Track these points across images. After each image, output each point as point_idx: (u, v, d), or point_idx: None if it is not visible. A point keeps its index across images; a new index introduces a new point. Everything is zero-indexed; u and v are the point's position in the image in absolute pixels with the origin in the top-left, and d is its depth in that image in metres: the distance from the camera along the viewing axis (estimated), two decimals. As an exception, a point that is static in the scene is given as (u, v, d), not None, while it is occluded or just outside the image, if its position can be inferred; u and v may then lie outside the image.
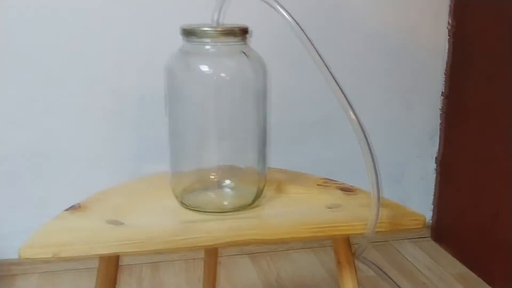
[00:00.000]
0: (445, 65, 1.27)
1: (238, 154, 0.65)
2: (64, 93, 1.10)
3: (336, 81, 0.54)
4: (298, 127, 1.22)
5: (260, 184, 0.64)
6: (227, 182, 0.66)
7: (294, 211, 0.62)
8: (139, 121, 1.14)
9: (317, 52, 0.54)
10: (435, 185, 1.34)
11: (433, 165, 1.33)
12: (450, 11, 1.24)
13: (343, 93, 0.54)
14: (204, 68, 0.61)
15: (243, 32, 0.61)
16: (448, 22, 1.25)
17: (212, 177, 0.66)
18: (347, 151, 1.24)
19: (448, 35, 1.25)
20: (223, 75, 0.61)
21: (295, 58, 1.16)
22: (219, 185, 0.66)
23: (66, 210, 0.62)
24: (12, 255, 1.15)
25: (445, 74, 1.27)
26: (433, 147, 1.32)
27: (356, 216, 0.61)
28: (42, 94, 1.09)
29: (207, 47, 0.60)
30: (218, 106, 0.62)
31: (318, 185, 0.70)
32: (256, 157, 0.64)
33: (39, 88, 1.09)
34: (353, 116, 0.54)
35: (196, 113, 0.63)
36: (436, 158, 1.33)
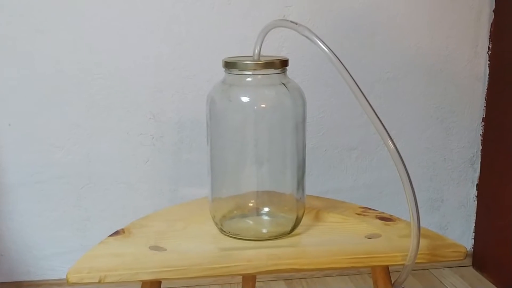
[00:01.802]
0: (485, 90, 1.25)
1: (277, 181, 0.65)
2: (107, 117, 1.13)
3: (372, 108, 0.54)
4: (334, 153, 1.22)
5: (299, 212, 0.65)
6: (266, 209, 0.66)
7: (332, 240, 0.62)
8: (178, 146, 1.15)
9: (353, 80, 0.54)
10: (476, 212, 1.32)
11: (473, 192, 1.31)
12: (490, 35, 1.23)
13: (379, 120, 0.54)
14: (245, 98, 0.62)
15: (283, 64, 0.62)
16: (488, 46, 1.24)
17: (251, 204, 0.66)
18: (384, 176, 1.24)
19: (488, 60, 1.24)
20: (263, 105, 0.62)
21: (330, 84, 1.17)
22: (257, 212, 0.66)
23: (111, 235, 0.63)
24: (53, 275, 1.18)
25: (485, 99, 1.26)
26: (473, 173, 1.30)
27: (395, 246, 0.60)
28: (85, 118, 1.13)
29: (248, 78, 0.61)
30: (258, 134, 0.63)
31: (356, 214, 0.70)
32: (295, 184, 0.64)
33: (82, 113, 1.12)
34: (391, 145, 0.54)
35: (236, 141, 0.63)
36: (476, 184, 1.31)
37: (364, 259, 0.58)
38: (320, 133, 1.21)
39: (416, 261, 0.57)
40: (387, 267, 0.63)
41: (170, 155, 1.16)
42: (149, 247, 0.60)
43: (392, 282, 0.62)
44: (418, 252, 0.56)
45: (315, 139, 1.20)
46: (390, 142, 0.54)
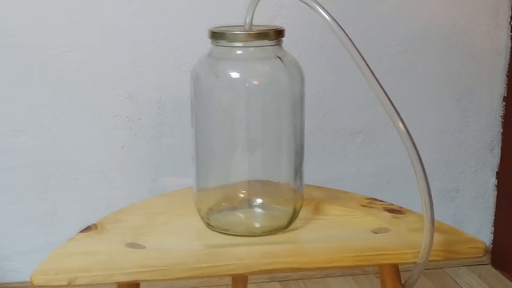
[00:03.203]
0: (506, 65, 1.25)
1: (271, 169, 0.66)
2: (76, 97, 1.13)
3: (380, 85, 0.54)
4: (336, 137, 1.23)
5: (297, 204, 0.65)
6: (259, 201, 0.66)
7: (334, 236, 0.62)
8: (158, 129, 1.15)
9: (359, 53, 0.54)
10: (495, 204, 1.33)
11: (492, 180, 1.32)
12: (511, 3, 1.23)
13: (388, 99, 0.54)
14: (235, 74, 0.62)
15: (278, 35, 0.61)
16: (510, 16, 1.23)
17: (242, 195, 0.66)
18: (392, 164, 1.25)
19: (510, 31, 1.24)
20: (255, 82, 0.62)
21: (331, 59, 1.17)
22: (249, 204, 0.67)
23: (81, 231, 0.63)
24: (15, 277, 1.18)
25: (506, 75, 1.26)
26: (493, 160, 1.31)
27: (406, 242, 0.61)
28: (50, 98, 1.12)
29: (238, 51, 0.61)
30: (250, 115, 0.63)
31: (362, 205, 0.70)
32: (291, 172, 0.64)
33: (47, 92, 1.12)
34: (401, 127, 0.53)
35: (225, 123, 0.63)
36: (496, 172, 1.32)
37: (370, 256, 0.59)
38: (320, 115, 1.21)
39: (430, 258, 0.57)
40: (396, 265, 0.63)
41: (149, 140, 1.16)
42: (125, 245, 0.60)
43: (402, 282, 0.63)
44: (432, 249, 0.56)
45: (314, 121, 1.20)
46: (400, 124, 0.54)
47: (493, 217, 1.34)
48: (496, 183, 1.32)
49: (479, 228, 1.34)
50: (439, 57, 1.22)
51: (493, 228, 1.35)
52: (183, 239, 0.62)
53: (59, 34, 1.10)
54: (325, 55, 1.17)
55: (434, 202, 0.55)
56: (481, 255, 0.61)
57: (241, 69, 0.62)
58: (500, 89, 1.27)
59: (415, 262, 0.58)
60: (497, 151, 1.30)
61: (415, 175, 0.54)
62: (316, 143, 1.21)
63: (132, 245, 0.60)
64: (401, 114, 0.55)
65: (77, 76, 1.12)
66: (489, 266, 1.33)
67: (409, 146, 0.54)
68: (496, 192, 1.33)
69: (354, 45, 0.54)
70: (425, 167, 0.55)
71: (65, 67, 1.11)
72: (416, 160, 0.54)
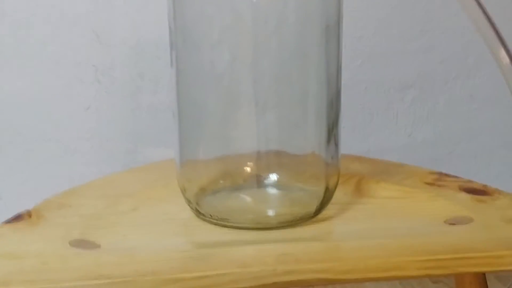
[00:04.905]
0: None
1: (292, 131, 0.62)
2: (24, 38, 1.07)
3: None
4: (379, 92, 1.16)
5: (330, 182, 0.61)
6: (273, 177, 0.63)
7: (388, 230, 0.58)
8: (136, 83, 1.09)
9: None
10: None
11: None
12: None
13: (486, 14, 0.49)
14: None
15: None
16: None
17: (248, 169, 0.63)
18: (455, 128, 1.19)
19: None
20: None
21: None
22: (259, 183, 0.64)
23: (7, 222, 0.60)
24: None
25: None
26: None
27: (499, 238, 0.55)
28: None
29: None
30: (258, 48, 0.59)
31: (426, 183, 0.66)
32: (322, 136, 0.61)
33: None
34: (505, 58, 0.48)
35: (222, 61, 0.59)
36: None
37: (446, 261, 0.52)
38: (357, 63, 1.15)
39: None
40: (483, 277, 0.59)
41: (124, 98, 1.11)
42: (69, 243, 0.55)
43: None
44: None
45: (349, 72, 1.13)
46: (503, 53, 0.49)
47: None
48: None
49: None
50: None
51: None
52: (158, 235, 0.58)
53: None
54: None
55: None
56: None
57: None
58: None
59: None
60: None
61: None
62: (352, 101, 1.15)
63: (80, 244, 0.55)
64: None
65: (24, 11, 1.05)
66: None
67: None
68: None
69: None
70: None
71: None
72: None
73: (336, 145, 0.62)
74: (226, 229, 0.58)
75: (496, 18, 0.49)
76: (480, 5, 0.49)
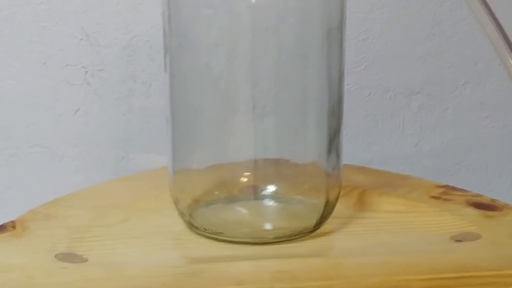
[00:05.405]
0: None
1: (291, 140, 0.63)
2: (9, 37, 1.05)
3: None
4: (383, 98, 1.16)
5: (330, 194, 0.61)
6: (270, 188, 0.64)
7: (391, 245, 0.58)
8: (127, 86, 1.09)
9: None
10: None
11: None
12: None
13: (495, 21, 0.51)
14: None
15: None
16: None
17: (245, 179, 0.64)
18: (464, 138, 1.19)
19: None
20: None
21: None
22: (256, 194, 0.64)
23: None
24: None
25: None
26: None
27: (509, 256, 0.55)
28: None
29: None
30: (257, 51, 0.59)
31: (432, 197, 0.67)
32: (323, 145, 0.61)
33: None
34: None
35: (219, 66, 0.60)
36: None
37: (452, 280, 0.53)
38: (362, 66, 1.14)
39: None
40: None
41: (115, 101, 1.10)
42: (55, 256, 0.55)
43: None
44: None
45: (353, 76, 1.13)
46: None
47: None
48: None
49: None
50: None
51: None
52: (149, 249, 0.58)
53: None
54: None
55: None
56: None
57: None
58: None
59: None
60: None
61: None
62: (355, 108, 1.14)
63: (67, 257, 0.55)
64: None
65: (9, 8, 1.04)
66: None
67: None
68: None
69: None
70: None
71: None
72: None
73: (338, 154, 0.62)
74: (220, 243, 0.58)
75: (506, 24, 0.50)
76: (488, 9, 0.50)
